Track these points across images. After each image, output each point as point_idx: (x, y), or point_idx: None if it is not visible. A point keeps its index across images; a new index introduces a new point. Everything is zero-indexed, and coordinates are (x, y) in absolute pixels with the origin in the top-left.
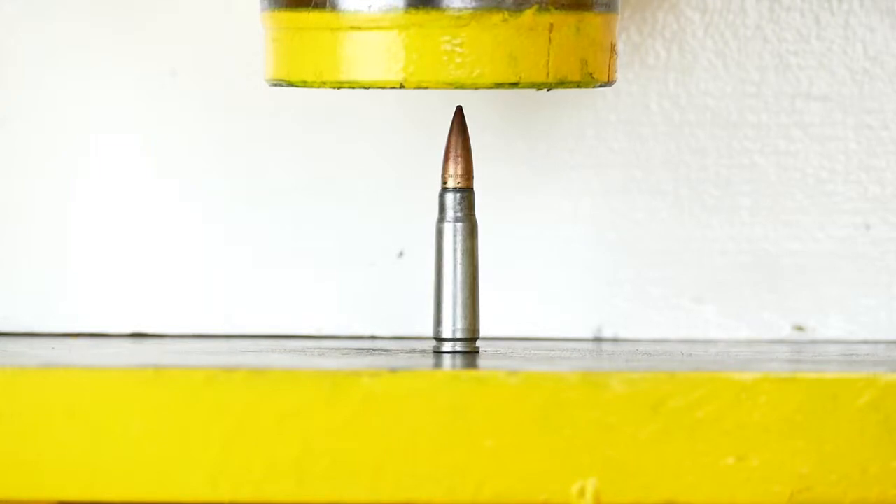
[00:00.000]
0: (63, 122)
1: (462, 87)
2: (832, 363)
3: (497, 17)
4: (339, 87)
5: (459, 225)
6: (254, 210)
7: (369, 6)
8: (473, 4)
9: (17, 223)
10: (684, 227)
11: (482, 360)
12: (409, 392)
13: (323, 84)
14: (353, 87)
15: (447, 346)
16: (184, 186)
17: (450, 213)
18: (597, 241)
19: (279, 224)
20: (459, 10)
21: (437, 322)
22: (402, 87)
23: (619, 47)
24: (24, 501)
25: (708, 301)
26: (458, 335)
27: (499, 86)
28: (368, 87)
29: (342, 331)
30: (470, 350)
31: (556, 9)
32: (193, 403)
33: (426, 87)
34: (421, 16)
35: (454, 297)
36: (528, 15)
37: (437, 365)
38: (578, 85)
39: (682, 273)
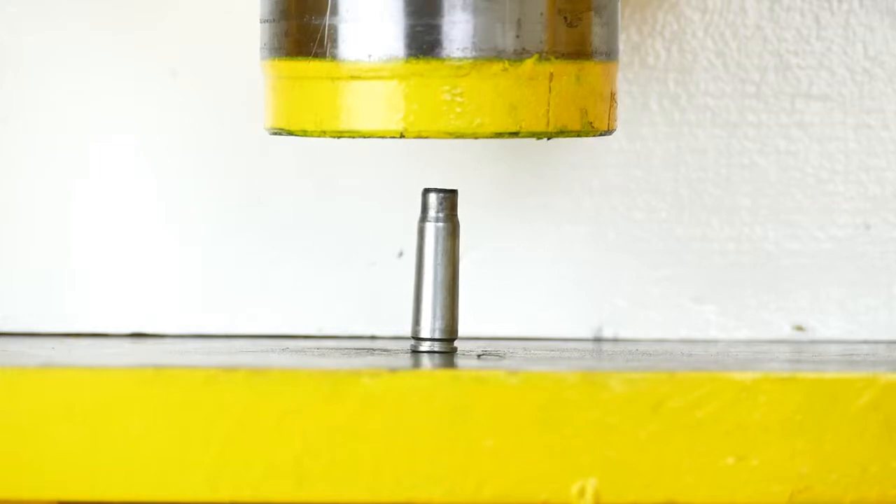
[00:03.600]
0: (63, 122)
1: (462, 136)
2: (832, 363)
3: (497, 67)
4: (338, 137)
5: (440, 225)
6: (253, 210)
7: (369, 56)
8: (473, 54)
9: (17, 223)
10: (684, 227)
11: (482, 361)
12: (409, 392)
13: (322, 133)
14: (353, 137)
15: (425, 346)
16: (183, 186)
17: (431, 214)
18: (597, 241)
19: (279, 224)
20: (459, 59)
21: (416, 321)
22: (402, 136)
23: (620, 47)
24: (24, 501)
25: (708, 301)
26: (437, 335)
27: (499, 135)
28: (368, 137)
29: (342, 331)
30: (448, 350)
31: (557, 58)
32: (193, 403)
33: (426, 137)
34: (421, 66)
35: (434, 297)
36: (529, 64)
37: (437, 365)
38: (578, 134)
39: (682, 273)
